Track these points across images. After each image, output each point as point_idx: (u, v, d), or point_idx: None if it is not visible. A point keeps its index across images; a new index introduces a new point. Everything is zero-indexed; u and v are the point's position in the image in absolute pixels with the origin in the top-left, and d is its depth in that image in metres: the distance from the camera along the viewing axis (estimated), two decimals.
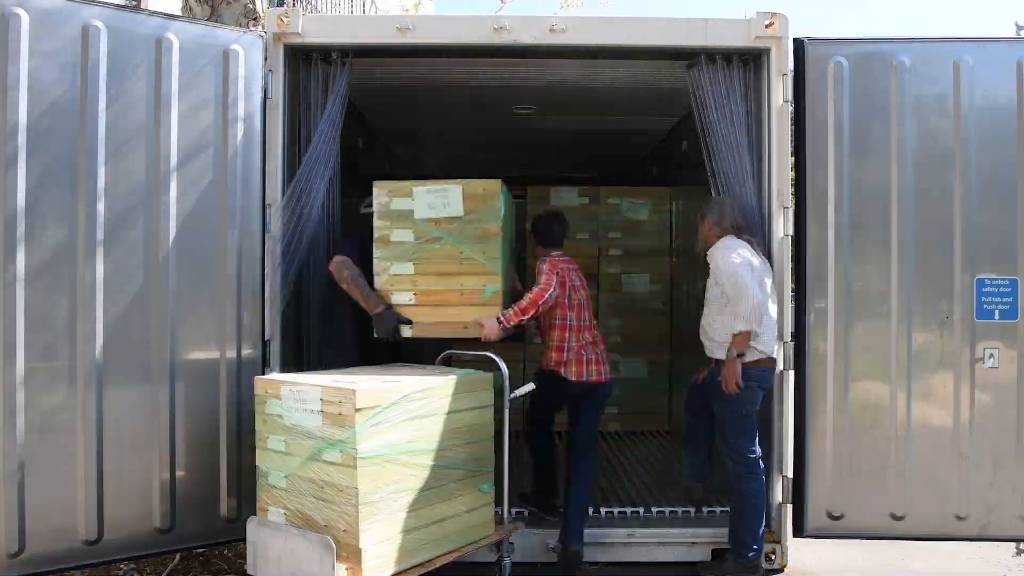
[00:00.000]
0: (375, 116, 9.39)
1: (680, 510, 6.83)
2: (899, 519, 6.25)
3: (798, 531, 6.34)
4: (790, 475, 6.33)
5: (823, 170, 6.25)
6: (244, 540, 5.83)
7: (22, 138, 5.28)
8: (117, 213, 5.57)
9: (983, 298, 6.21)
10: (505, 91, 8.30)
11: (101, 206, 5.49)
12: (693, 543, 6.50)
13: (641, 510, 6.86)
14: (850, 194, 6.24)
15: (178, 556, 6.18)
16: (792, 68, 6.35)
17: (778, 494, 6.36)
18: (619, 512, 6.83)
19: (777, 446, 6.34)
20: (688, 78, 6.57)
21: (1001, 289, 6.21)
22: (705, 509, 6.75)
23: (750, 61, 6.56)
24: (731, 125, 6.44)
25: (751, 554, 6.16)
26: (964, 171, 6.20)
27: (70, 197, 5.43)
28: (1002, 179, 6.22)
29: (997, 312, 6.21)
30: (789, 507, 6.34)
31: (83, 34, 5.44)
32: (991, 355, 6.19)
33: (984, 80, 6.26)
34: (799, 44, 6.31)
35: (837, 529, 6.31)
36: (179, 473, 5.75)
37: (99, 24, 5.49)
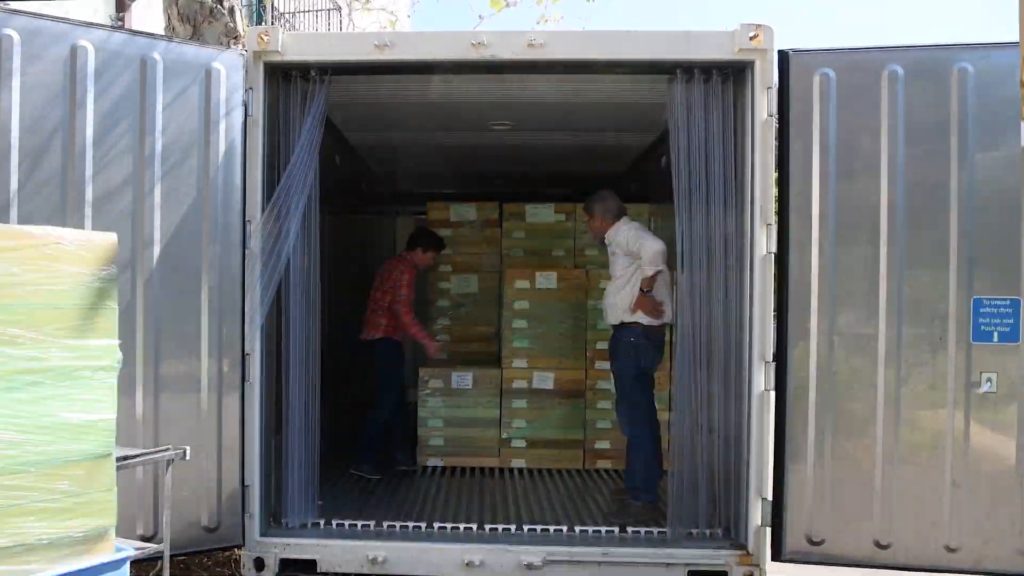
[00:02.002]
0: (353, 132, 9.59)
1: (656, 530, 6.84)
2: (884, 547, 6.23)
3: (776, 555, 6.37)
4: (769, 497, 6.36)
5: (808, 186, 6.26)
6: (222, 548, 6.11)
7: (13, 156, 5.57)
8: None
9: (980, 319, 6.07)
10: (482, 107, 8.49)
11: (88, 223, 5.74)
12: (668, 564, 6.49)
13: (616, 529, 6.91)
14: (836, 211, 6.24)
15: (160, 563, 6.41)
16: (777, 81, 6.37)
17: (757, 516, 6.40)
18: (593, 531, 6.91)
19: (756, 467, 6.39)
20: (668, 92, 6.65)
21: (1001, 310, 6.05)
22: (685, 531, 6.66)
23: (732, 75, 6.61)
24: (712, 140, 6.55)
25: (649, 496, 7.51)
26: (961, 185, 6.11)
27: (59, 213, 5.70)
28: (1003, 193, 5.92)
29: (996, 334, 6.05)
30: (768, 530, 6.37)
31: (71, 54, 5.73)
32: (988, 379, 6.05)
33: (985, 88, 6.12)
34: (783, 56, 6.33)
35: (817, 555, 6.33)
36: (161, 483, 5.97)
37: (86, 44, 5.79)
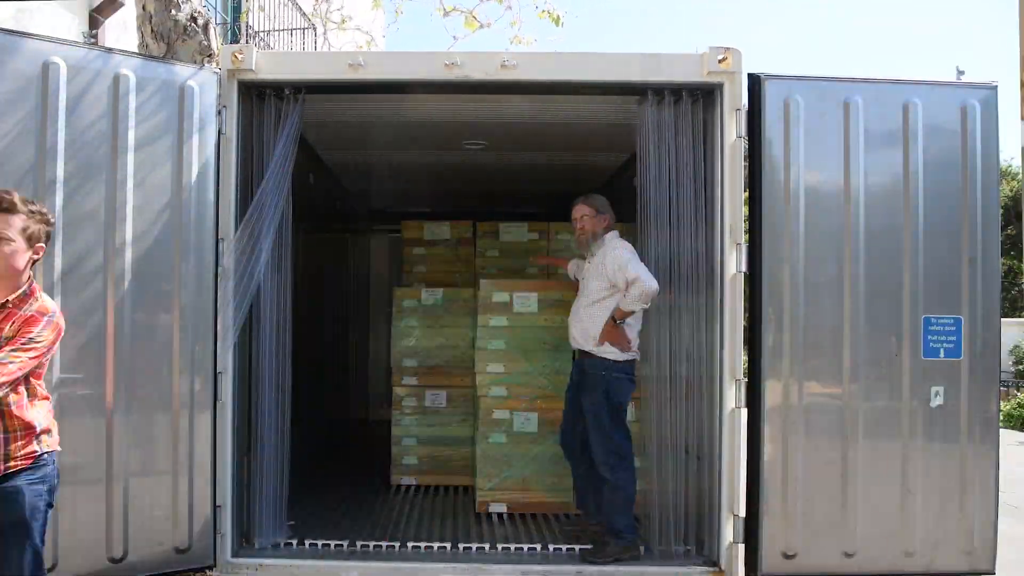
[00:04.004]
0: (327, 150, 9.64)
1: None
2: (850, 556, 6.40)
3: (752, 571, 6.44)
4: (742, 514, 6.44)
5: (780, 207, 6.38)
6: (194, 569, 6.07)
7: None
8: (75, 247, 5.78)
9: (929, 336, 6.41)
10: (456, 126, 8.52)
11: (59, 239, 5.69)
12: None
13: (591, 547, 6.88)
14: (805, 232, 6.37)
15: None
16: (747, 103, 6.47)
17: (729, 534, 6.45)
18: (567, 549, 6.93)
19: (727, 485, 6.43)
20: (639, 113, 6.73)
21: (946, 328, 6.41)
22: (656, 548, 6.72)
23: (701, 96, 6.69)
24: (682, 160, 6.62)
25: (630, 536, 6.74)
26: (912, 211, 6.41)
27: None
28: (947, 219, 6.45)
29: (942, 351, 6.42)
30: (741, 547, 6.44)
31: (43, 71, 5.68)
32: (937, 392, 6.41)
33: (932, 122, 6.48)
34: (756, 79, 6.45)
35: (791, 568, 6.41)
36: (132, 503, 5.97)
37: (58, 61, 5.73)
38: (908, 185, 6.46)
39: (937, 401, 6.41)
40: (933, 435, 6.46)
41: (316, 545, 6.82)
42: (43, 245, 4.33)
